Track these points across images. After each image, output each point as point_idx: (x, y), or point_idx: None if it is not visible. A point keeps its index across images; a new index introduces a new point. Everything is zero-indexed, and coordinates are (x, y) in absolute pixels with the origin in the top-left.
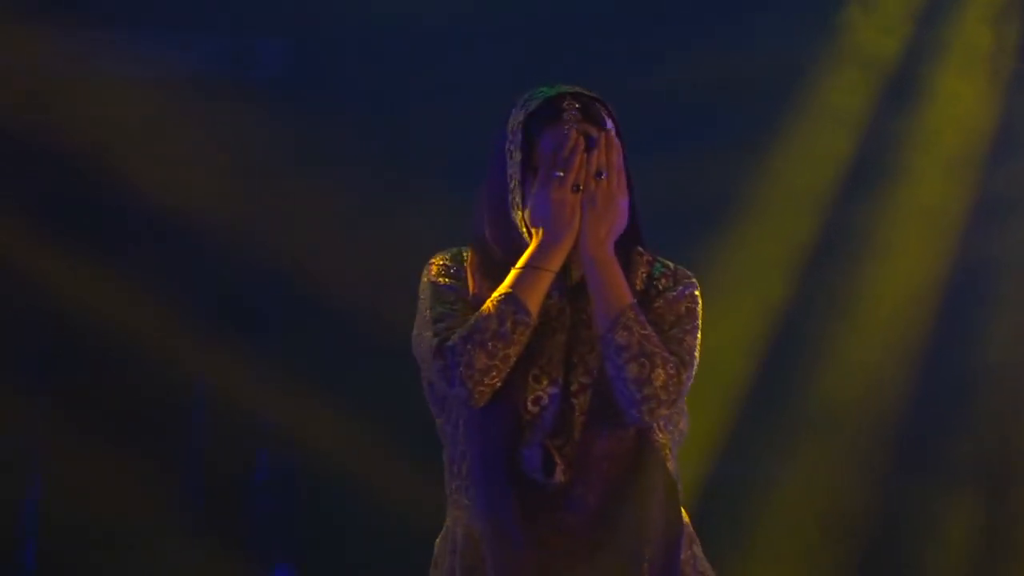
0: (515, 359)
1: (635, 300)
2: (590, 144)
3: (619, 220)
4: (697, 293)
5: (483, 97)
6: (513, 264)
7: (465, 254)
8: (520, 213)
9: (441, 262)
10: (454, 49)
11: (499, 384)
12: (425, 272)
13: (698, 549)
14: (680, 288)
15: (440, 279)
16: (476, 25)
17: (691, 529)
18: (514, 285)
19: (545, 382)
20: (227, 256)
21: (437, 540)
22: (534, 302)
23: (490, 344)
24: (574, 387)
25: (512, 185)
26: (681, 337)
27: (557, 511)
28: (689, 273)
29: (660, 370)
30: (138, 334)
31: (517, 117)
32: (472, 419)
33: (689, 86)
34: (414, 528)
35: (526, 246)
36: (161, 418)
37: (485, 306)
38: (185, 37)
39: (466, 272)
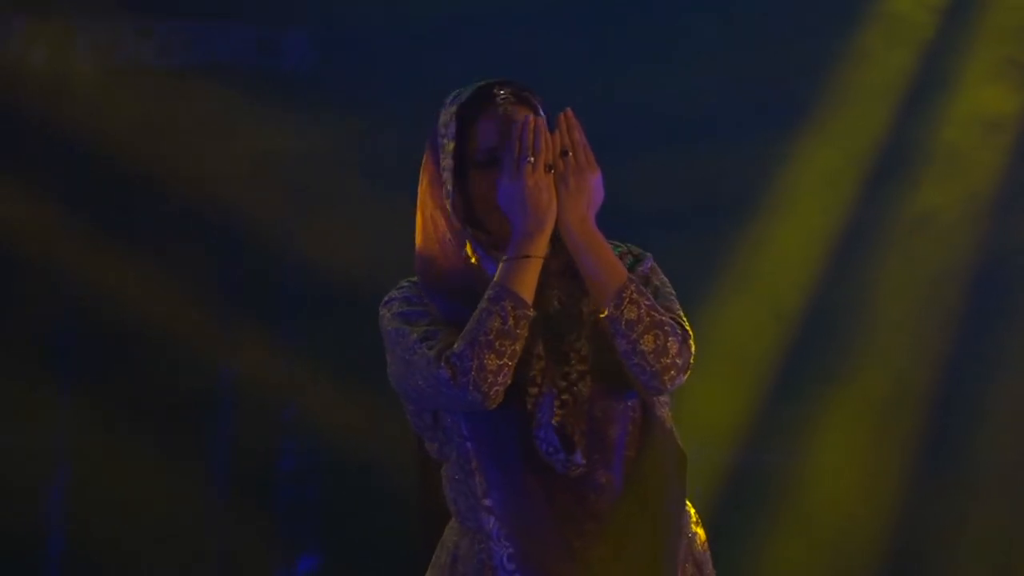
0: (521, 354)
1: (630, 272)
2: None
3: (596, 195)
4: (656, 264)
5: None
6: (464, 272)
7: (415, 281)
8: (448, 202)
9: (398, 296)
10: (480, 39)
11: (510, 382)
12: (384, 313)
13: (700, 531)
14: (644, 264)
15: (404, 309)
16: (501, 16)
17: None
18: (506, 280)
19: (534, 362)
20: (255, 245)
21: (438, 551)
22: (529, 293)
23: (497, 343)
24: (573, 376)
25: (445, 176)
26: (670, 307)
27: (581, 496)
28: (641, 249)
29: (672, 338)
30: (165, 323)
31: (449, 109)
32: (478, 424)
33: (713, 83)
34: (440, 518)
35: (475, 245)
36: (188, 407)
37: (481, 307)
38: (211, 27)
39: (426, 298)
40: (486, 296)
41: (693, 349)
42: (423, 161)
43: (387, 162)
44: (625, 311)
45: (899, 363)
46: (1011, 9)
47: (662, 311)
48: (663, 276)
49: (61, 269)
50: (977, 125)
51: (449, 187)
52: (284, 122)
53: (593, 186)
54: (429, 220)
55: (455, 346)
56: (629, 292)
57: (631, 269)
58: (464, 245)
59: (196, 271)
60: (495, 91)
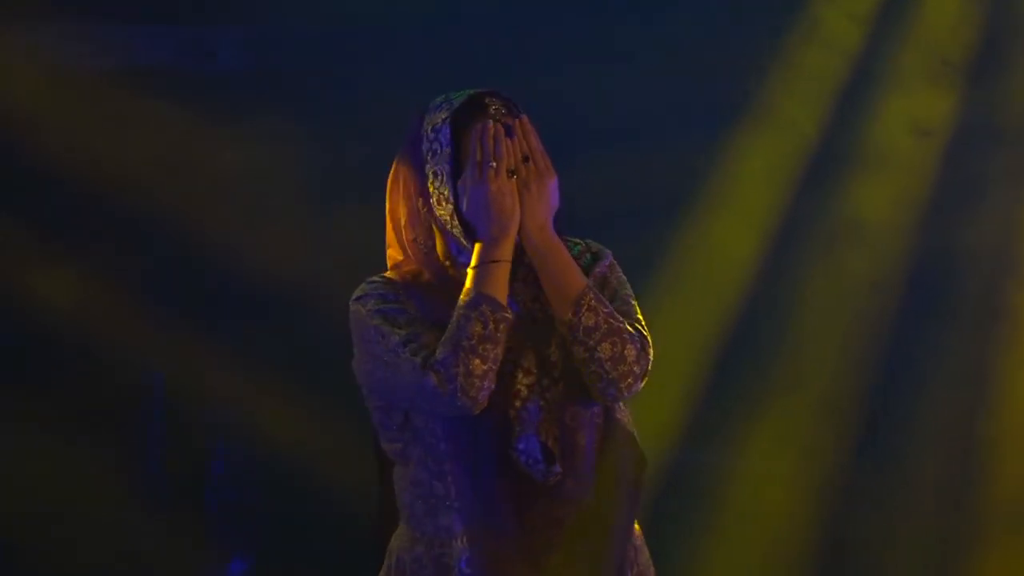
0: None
1: (587, 272)
2: (508, 133)
3: (553, 201)
4: (615, 261)
5: (450, 88)
6: (440, 273)
7: (392, 277)
8: (448, 207)
9: (372, 293)
10: (419, 44)
11: (493, 386)
12: (358, 309)
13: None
14: (602, 263)
15: (382, 306)
16: (441, 19)
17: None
18: (480, 285)
19: (520, 374)
20: (184, 247)
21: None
22: (503, 296)
23: (480, 348)
24: (545, 382)
25: (438, 182)
26: (628, 311)
27: (547, 503)
28: (600, 245)
29: (630, 346)
30: (94, 326)
31: (438, 115)
32: (456, 426)
33: (644, 85)
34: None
35: (455, 250)
36: (118, 410)
37: (459, 313)
38: (147, 29)
39: (403, 295)
40: (462, 303)
41: (651, 356)
42: (394, 167)
43: (325, 164)
44: (583, 318)
45: (832, 364)
46: (943, 10)
47: (620, 318)
48: (621, 275)
49: None
50: (909, 127)
51: (447, 192)
52: (220, 124)
53: (552, 192)
54: (402, 227)
55: (438, 353)
56: (587, 299)
57: (589, 267)
58: (435, 248)
59: (128, 274)
60: (486, 101)
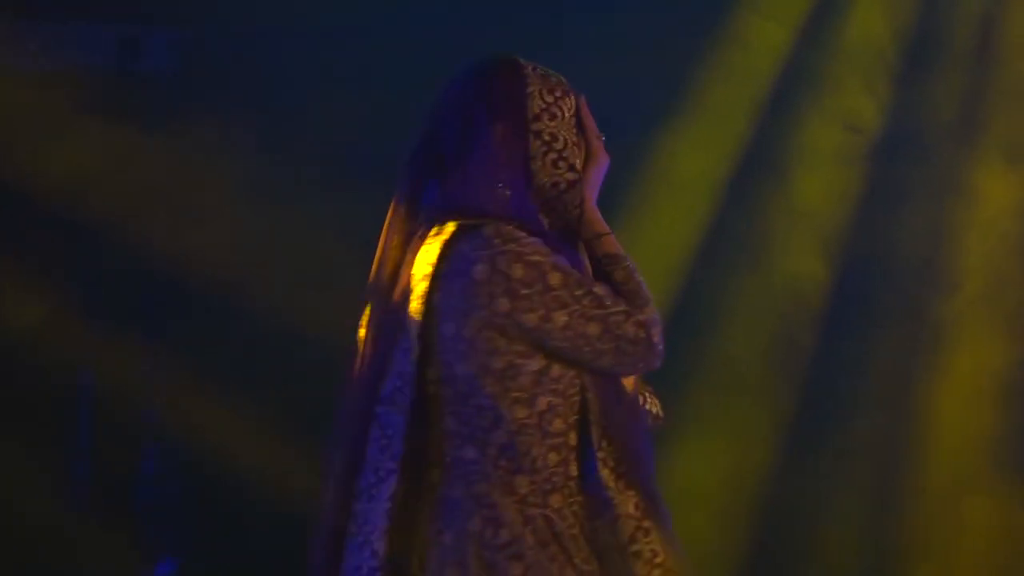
0: None
1: None
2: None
3: None
4: None
5: (377, 92)
6: (558, 226)
7: (532, 225)
8: (572, 176)
9: (534, 242)
10: (348, 42)
11: None
12: (531, 252)
13: None
14: None
15: (557, 259)
16: (370, 17)
17: None
18: (624, 250)
19: None
20: (112, 248)
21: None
22: None
23: (656, 312)
24: None
25: (559, 145)
26: None
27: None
28: None
29: None
30: (22, 326)
31: (546, 81)
32: (599, 380)
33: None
34: (302, 521)
35: (552, 210)
36: (47, 410)
37: (635, 277)
38: (70, 28)
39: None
40: (631, 268)
41: None
42: (495, 131)
43: (252, 167)
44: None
45: (765, 360)
46: (872, 16)
47: None
48: None
49: None
50: (839, 131)
51: (574, 160)
52: (146, 124)
53: None
54: (522, 182)
55: (647, 311)
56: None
57: None
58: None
59: (56, 275)
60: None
